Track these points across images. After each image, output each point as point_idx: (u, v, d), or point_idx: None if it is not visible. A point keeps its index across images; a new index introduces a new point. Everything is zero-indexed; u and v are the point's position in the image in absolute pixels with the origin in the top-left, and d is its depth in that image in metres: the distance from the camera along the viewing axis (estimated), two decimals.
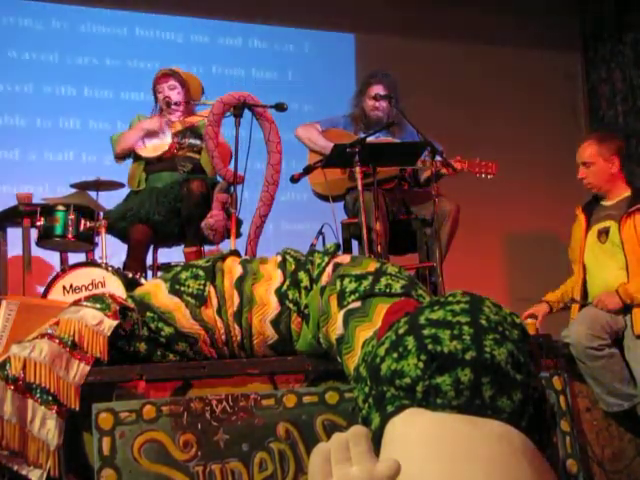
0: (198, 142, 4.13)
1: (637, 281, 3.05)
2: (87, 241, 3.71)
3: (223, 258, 2.60)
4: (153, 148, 4.09)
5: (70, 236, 3.63)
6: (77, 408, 2.11)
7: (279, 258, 2.53)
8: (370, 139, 3.71)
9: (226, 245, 3.67)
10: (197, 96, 4.25)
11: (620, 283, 3.08)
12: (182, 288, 2.43)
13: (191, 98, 4.19)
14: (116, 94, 5.59)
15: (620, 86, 6.29)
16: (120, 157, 4.16)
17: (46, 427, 2.04)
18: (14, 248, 4.09)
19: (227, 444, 2.21)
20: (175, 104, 4.12)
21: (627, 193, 3.26)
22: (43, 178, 5.23)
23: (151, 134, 4.08)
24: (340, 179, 4.05)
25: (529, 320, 3.28)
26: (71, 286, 3.38)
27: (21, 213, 3.76)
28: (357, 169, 3.45)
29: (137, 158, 4.12)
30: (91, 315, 2.25)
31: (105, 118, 5.49)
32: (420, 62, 5.96)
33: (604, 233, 3.21)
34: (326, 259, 2.43)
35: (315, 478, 0.73)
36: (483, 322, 1.52)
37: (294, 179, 3.70)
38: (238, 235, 3.50)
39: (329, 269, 2.38)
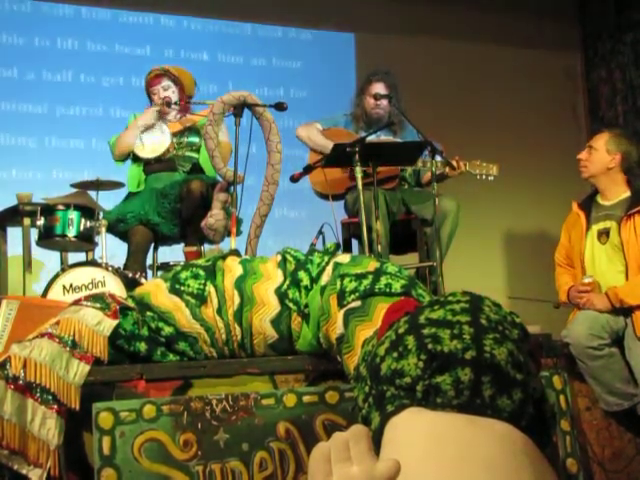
0: (197, 140, 4.12)
1: (629, 285, 3.04)
2: (87, 241, 3.71)
3: (223, 258, 2.60)
4: (152, 149, 4.08)
5: (70, 236, 3.63)
6: (77, 407, 2.11)
7: (279, 257, 2.53)
8: (370, 138, 3.71)
9: (226, 244, 3.67)
10: (191, 91, 4.24)
11: (610, 286, 3.07)
12: (182, 288, 2.43)
13: (186, 94, 4.18)
14: (114, 16, 5.62)
15: (620, 86, 6.29)
16: (120, 160, 4.15)
17: (46, 426, 2.04)
18: (14, 248, 4.09)
19: (227, 443, 2.21)
20: (175, 104, 4.12)
21: (627, 194, 3.24)
22: (42, 97, 5.33)
23: (149, 128, 4.07)
24: (340, 178, 4.05)
25: (587, 280, 3.15)
26: (71, 286, 3.37)
27: (21, 213, 3.76)
28: (357, 168, 3.45)
29: (136, 159, 4.11)
30: (91, 315, 2.25)
31: (103, 40, 5.54)
32: (420, 62, 5.96)
33: (604, 234, 3.19)
34: (326, 258, 2.43)
35: (315, 477, 0.73)
36: (483, 321, 1.52)
37: (294, 178, 3.69)
38: (238, 234, 3.50)
39: (329, 268, 2.38)
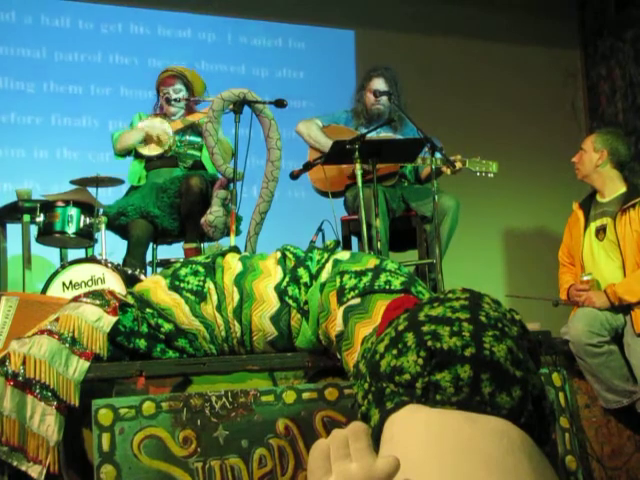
0: (199, 139, 4.14)
1: (627, 282, 3.04)
2: (87, 237, 3.71)
3: (223, 254, 2.60)
4: (153, 147, 4.10)
5: (70, 232, 3.63)
6: (77, 404, 2.11)
7: (279, 254, 2.53)
8: (371, 135, 3.71)
9: (225, 241, 3.67)
10: (200, 95, 4.26)
11: (609, 282, 3.08)
12: (182, 284, 2.43)
13: (193, 97, 4.21)
14: None
15: (620, 83, 6.28)
16: (120, 155, 4.17)
17: (46, 423, 2.04)
18: (14, 244, 4.09)
19: (226, 440, 2.21)
20: (175, 100, 4.13)
21: (623, 189, 3.26)
22: (40, 42, 5.37)
23: (150, 139, 4.09)
24: (340, 175, 4.05)
25: (585, 278, 3.16)
26: (71, 282, 3.38)
27: (21, 209, 3.76)
28: (357, 166, 3.45)
29: (137, 155, 4.13)
30: (90, 311, 2.25)
31: None
32: (420, 59, 5.95)
33: (602, 231, 3.21)
34: (325, 255, 2.43)
35: (314, 474, 0.73)
36: (482, 319, 1.53)
37: (294, 175, 3.69)
38: (238, 232, 3.50)
39: (328, 265, 2.38)
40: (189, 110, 4.23)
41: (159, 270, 3.75)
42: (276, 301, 2.40)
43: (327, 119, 4.21)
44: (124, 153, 4.15)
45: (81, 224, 3.65)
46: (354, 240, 4.11)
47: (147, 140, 4.10)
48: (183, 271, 2.48)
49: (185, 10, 5.73)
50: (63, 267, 3.46)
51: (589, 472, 2.77)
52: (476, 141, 5.08)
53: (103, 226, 3.68)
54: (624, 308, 3.03)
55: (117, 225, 3.87)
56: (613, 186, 3.27)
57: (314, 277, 2.39)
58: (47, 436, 2.04)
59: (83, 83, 5.41)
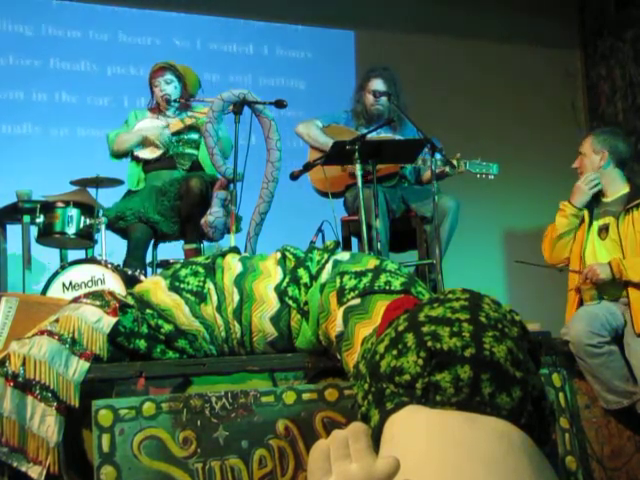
0: (196, 137, 4.12)
1: (633, 259, 3.05)
2: (87, 238, 3.71)
3: (223, 255, 2.60)
4: (150, 150, 4.08)
5: (70, 233, 3.63)
6: (77, 405, 2.11)
7: (279, 255, 2.53)
8: (371, 135, 3.71)
9: (225, 242, 3.67)
10: (194, 90, 4.24)
11: (613, 257, 3.09)
12: (182, 285, 2.43)
13: (188, 92, 4.19)
14: None
15: (620, 83, 6.28)
16: (116, 157, 4.14)
17: (46, 424, 2.04)
18: (14, 245, 4.09)
19: (226, 441, 2.21)
20: (175, 101, 4.12)
21: (626, 190, 3.26)
22: None
23: (148, 142, 4.07)
24: (340, 176, 4.05)
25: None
26: (71, 283, 3.38)
27: (21, 210, 3.76)
28: (357, 166, 3.45)
29: (135, 157, 4.11)
30: (90, 312, 2.25)
31: None
32: (420, 59, 5.96)
33: (604, 230, 3.22)
34: (325, 256, 2.43)
35: (314, 475, 0.73)
36: (482, 319, 1.53)
37: (293, 176, 3.69)
38: (237, 232, 3.50)
39: (328, 266, 2.38)
40: (185, 107, 4.21)
41: (159, 271, 3.75)
42: (276, 302, 2.40)
43: (327, 119, 4.21)
44: (120, 155, 4.13)
45: (81, 225, 3.65)
46: (354, 241, 4.11)
47: (145, 143, 4.07)
48: (183, 272, 2.48)
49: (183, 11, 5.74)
50: (63, 268, 3.46)
51: (589, 473, 2.77)
52: (476, 141, 5.07)
53: (103, 227, 3.68)
54: (624, 284, 3.03)
55: (116, 228, 3.87)
56: (616, 186, 3.28)
57: (314, 278, 2.39)
58: (47, 437, 2.04)
59: (81, 28, 5.44)
